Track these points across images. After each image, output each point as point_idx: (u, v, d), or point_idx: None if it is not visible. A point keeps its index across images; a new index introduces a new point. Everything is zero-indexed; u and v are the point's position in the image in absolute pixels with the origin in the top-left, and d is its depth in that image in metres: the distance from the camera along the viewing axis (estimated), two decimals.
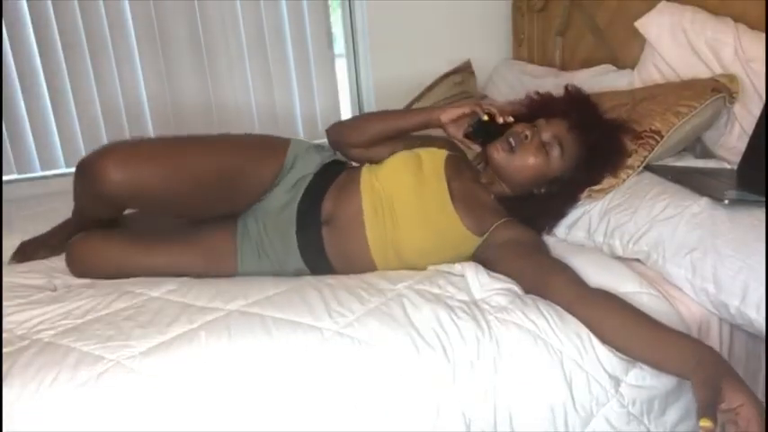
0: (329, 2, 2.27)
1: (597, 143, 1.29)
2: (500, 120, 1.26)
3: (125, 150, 1.11)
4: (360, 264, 1.22)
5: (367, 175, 1.31)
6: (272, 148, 1.32)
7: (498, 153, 1.27)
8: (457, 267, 1.16)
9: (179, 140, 1.22)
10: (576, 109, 1.33)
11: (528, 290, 1.11)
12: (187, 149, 1.20)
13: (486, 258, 1.22)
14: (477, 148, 1.35)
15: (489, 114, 1.27)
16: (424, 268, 1.20)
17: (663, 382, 0.99)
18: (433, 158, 1.33)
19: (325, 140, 1.51)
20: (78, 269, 1.25)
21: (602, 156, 1.31)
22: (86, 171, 1.09)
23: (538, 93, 1.44)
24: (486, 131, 1.28)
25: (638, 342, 0.96)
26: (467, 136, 1.30)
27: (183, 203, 1.20)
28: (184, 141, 1.22)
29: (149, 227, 1.41)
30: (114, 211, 1.30)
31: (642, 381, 0.99)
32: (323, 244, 1.24)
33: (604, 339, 0.99)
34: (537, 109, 1.38)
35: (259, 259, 1.26)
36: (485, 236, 1.24)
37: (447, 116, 1.31)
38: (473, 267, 1.15)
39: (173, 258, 1.24)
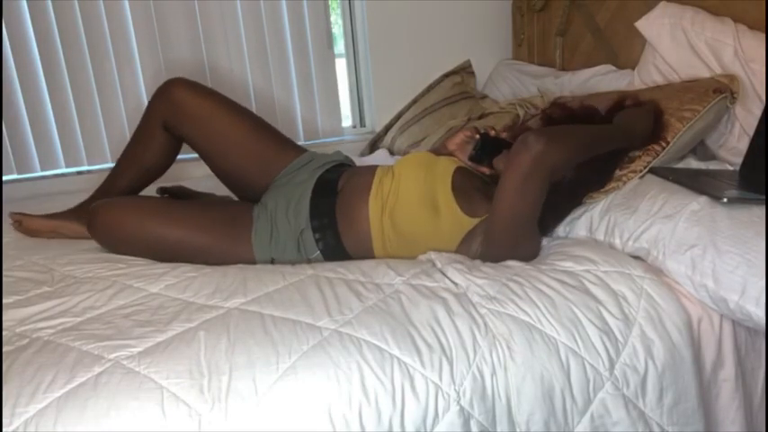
0: (329, 2, 2.27)
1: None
2: (492, 132, 1.38)
3: (194, 82, 1.46)
4: (359, 226, 1.31)
5: (385, 167, 1.43)
6: (293, 146, 1.51)
7: (499, 165, 1.36)
8: (432, 254, 1.24)
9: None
10: (565, 115, 1.40)
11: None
12: (242, 109, 1.48)
13: (474, 243, 1.28)
14: (485, 170, 1.43)
15: (485, 133, 1.39)
16: (413, 255, 1.27)
17: (655, 360, 1.03)
18: (448, 160, 1.43)
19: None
20: (98, 235, 1.34)
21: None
22: (164, 87, 1.44)
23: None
24: (488, 151, 1.37)
25: (503, 201, 1.18)
26: (472, 159, 1.39)
27: (225, 144, 1.43)
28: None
29: (165, 202, 1.47)
30: (164, 147, 1.48)
31: (635, 359, 1.02)
32: (335, 210, 1.33)
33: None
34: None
35: (270, 237, 1.32)
36: (479, 219, 1.29)
37: (452, 143, 1.46)
38: (446, 257, 1.22)
39: (188, 230, 1.31)
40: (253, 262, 1.31)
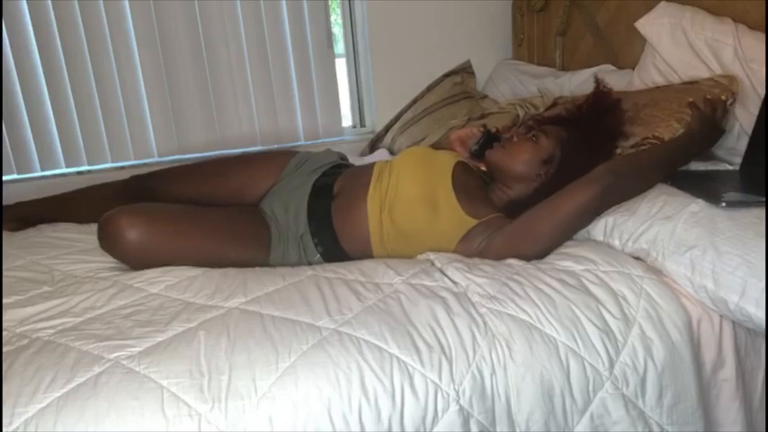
0: (329, 2, 2.27)
1: (581, 123, 1.37)
2: (494, 129, 1.41)
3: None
4: (357, 225, 1.32)
5: (383, 162, 1.47)
6: (280, 153, 1.57)
7: (492, 154, 1.39)
8: (431, 255, 1.25)
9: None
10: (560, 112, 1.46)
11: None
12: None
13: (474, 241, 1.27)
14: (480, 166, 1.45)
15: (488, 130, 1.44)
16: (411, 252, 1.29)
17: (655, 359, 1.03)
18: (448, 155, 1.45)
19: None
20: (109, 245, 1.24)
21: (589, 131, 1.37)
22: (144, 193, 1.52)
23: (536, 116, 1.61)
24: (488, 148, 1.40)
25: (559, 213, 1.20)
26: (472, 153, 1.42)
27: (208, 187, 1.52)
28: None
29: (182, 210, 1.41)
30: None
31: (635, 359, 1.02)
32: (330, 213, 1.35)
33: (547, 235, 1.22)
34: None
35: (279, 236, 1.34)
36: (480, 220, 1.29)
37: (456, 134, 1.51)
38: (445, 257, 1.22)
39: (203, 241, 1.29)
40: (265, 265, 1.30)
